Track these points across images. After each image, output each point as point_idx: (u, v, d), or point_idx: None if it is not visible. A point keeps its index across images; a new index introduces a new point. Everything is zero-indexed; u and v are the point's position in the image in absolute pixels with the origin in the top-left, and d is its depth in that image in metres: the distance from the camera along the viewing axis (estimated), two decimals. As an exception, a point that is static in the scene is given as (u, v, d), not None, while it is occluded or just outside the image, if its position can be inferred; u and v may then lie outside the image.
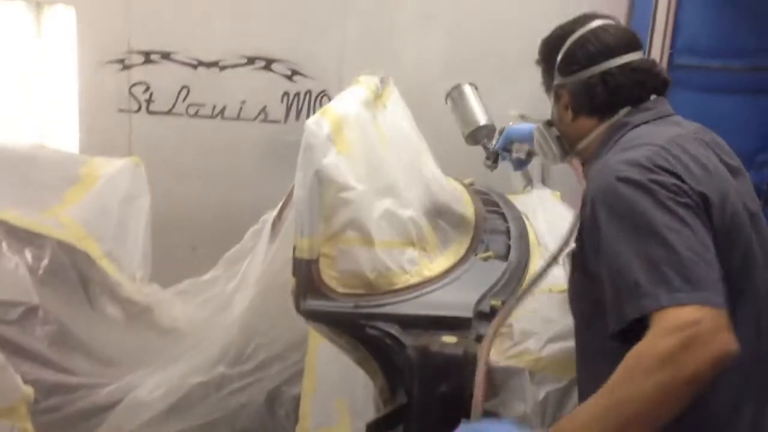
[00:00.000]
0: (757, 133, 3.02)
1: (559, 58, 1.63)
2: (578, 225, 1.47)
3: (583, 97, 1.60)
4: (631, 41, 1.62)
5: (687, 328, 1.16)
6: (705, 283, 1.21)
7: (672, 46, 3.11)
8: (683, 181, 1.33)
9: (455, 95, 2.43)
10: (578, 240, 1.46)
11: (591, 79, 1.58)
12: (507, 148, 2.24)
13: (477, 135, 2.37)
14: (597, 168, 1.44)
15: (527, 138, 2.09)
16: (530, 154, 2.21)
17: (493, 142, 2.33)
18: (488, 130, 2.36)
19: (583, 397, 1.55)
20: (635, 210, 1.28)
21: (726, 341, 1.17)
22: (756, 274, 1.41)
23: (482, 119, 2.37)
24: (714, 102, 2.86)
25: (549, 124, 1.73)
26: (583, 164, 1.69)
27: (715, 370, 1.16)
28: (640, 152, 1.38)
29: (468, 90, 2.43)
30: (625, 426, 1.17)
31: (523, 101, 3.65)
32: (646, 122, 1.53)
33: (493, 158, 2.35)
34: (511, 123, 2.28)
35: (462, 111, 2.40)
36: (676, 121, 1.56)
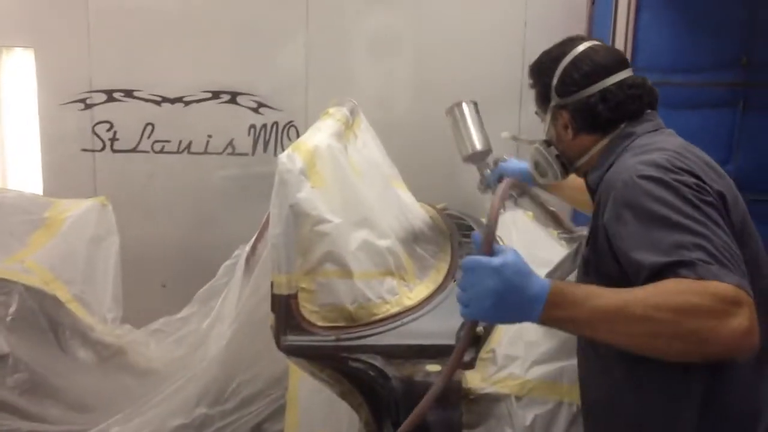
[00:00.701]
0: (720, 145, 3.08)
1: (555, 80, 1.67)
2: (590, 228, 1.50)
3: (584, 115, 1.64)
4: (621, 59, 1.67)
5: (729, 303, 1.17)
6: (739, 272, 1.23)
7: (633, 64, 3.16)
8: (702, 180, 1.36)
9: (455, 113, 2.37)
10: (591, 243, 1.48)
11: (591, 98, 1.62)
12: (499, 181, 2.24)
13: (473, 158, 2.35)
14: (615, 171, 1.47)
15: (519, 176, 2.19)
16: (522, 194, 2.24)
17: (489, 168, 2.34)
18: (484, 155, 2.35)
19: (586, 398, 1.60)
20: (663, 205, 1.30)
21: (756, 333, 1.19)
22: (762, 277, 1.43)
23: (479, 144, 2.32)
24: (677, 117, 2.90)
25: (547, 143, 1.76)
26: (584, 177, 1.72)
27: (732, 354, 1.18)
28: (656, 155, 1.42)
29: (467, 109, 2.37)
30: (622, 332, 1.21)
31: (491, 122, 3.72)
32: (650, 132, 1.58)
33: (485, 185, 2.36)
34: (504, 156, 2.31)
35: (460, 132, 2.36)
36: (671, 133, 1.62)
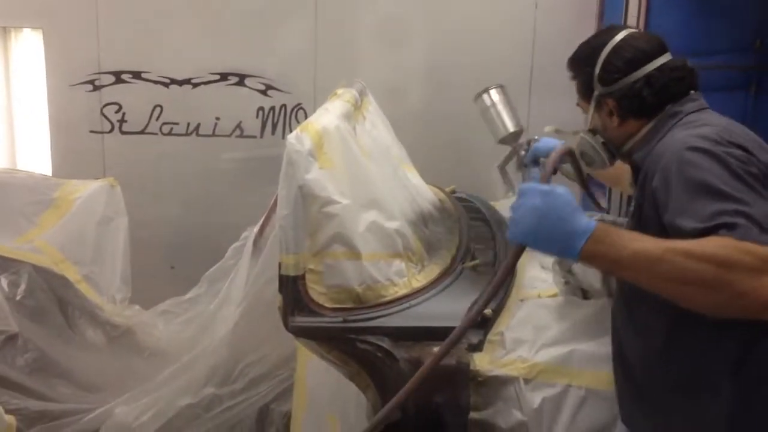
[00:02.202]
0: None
1: (598, 69, 1.70)
2: (634, 202, 1.55)
3: (630, 101, 1.66)
4: (660, 44, 1.70)
5: None
6: None
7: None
8: (751, 153, 1.40)
9: (484, 99, 2.41)
10: (635, 216, 1.53)
11: (635, 84, 1.65)
12: (536, 162, 2.25)
13: (507, 140, 2.37)
14: (664, 144, 1.51)
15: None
16: (556, 170, 2.21)
17: (523, 148, 2.32)
18: (517, 135, 2.37)
19: (621, 361, 1.63)
20: (709, 174, 1.34)
21: None
22: None
23: (511, 126, 2.36)
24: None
25: (592, 132, 1.78)
26: (629, 158, 1.73)
27: (761, 314, 1.23)
28: (706, 129, 1.46)
29: (496, 94, 2.41)
30: (662, 276, 1.26)
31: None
32: (695, 111, 1.61)
33: (521, 164, 2.33)
34: (536, 136, 2.27)
35: (491, 116, 2.39)
36: (714, 112, 1.64)
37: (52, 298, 2.87)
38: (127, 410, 2.70)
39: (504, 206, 2.68)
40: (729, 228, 1.26)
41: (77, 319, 2.93)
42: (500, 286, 1.47)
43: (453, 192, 2.83)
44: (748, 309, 1.24)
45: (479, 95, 2.41)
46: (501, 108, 2.38)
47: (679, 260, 1.24)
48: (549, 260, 2.18)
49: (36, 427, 2.68)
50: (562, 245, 1.33)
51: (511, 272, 1.44)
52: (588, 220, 1.32)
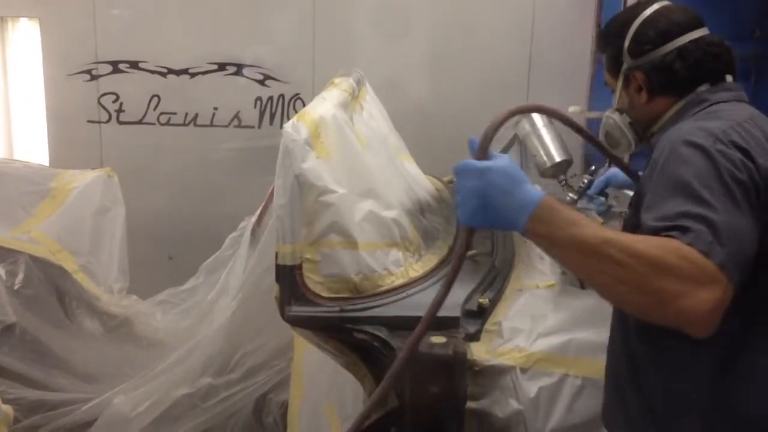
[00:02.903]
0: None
1: (628, 41, 1.59)
2: (635, 190, 1.50)
3: (660, 75, 1.56)
4: (697, 17, 1.59)
5: (704, 276, 1.15)
6: (733, 259, 1.19)
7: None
8: (752, 158, 1.30)
9: (525, 126, 2.23)
10: (634, 203, 1.48)
11: (667, 56, 1.54)
12: (603, 193, 2.15)
13: (554, 170, 2.23)
14: (667, 134, 1.43)
15: (627, 184, 2.06)
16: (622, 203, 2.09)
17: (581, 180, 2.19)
18: (567, 165, 2.22)
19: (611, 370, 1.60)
20: (692, 173, 1.27)
21: (716, 318, 1.15)
22: None
23: (558, 155, 2.19)
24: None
25: (619, 111, 1.68)
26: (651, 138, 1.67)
27: (684, 327, 1.16)
28: (716, 123, 1.37)
29: (539, 120, 2.22)
30: (592, 268, 1.21)
31: (498, 95, 3.68)
32: (725, 101, 1.51)
33: (579, 196, 2.19)
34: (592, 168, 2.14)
35: (535, 144, 2.22)
36: (747, 106, 1.53)
37: (50, 288, 2.87)
38: (125, 400, 2.71)
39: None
40: (682, 231, 1.19)
41: (75, 309, 2.94)
42: (456, 273, 1.39)
43: (450, 182, 2.82)
44: (667, 319, 1.17)
45: (518, 121, 2.23)
46: (545, 133, 2.21)
47: (613, 253, 1.17)
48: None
49: (34, 417, 2.68)
50: (507, 222, 1.27)
51: (464, 258, 1.39)
52: (533, 194, 1.24)
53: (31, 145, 4.38)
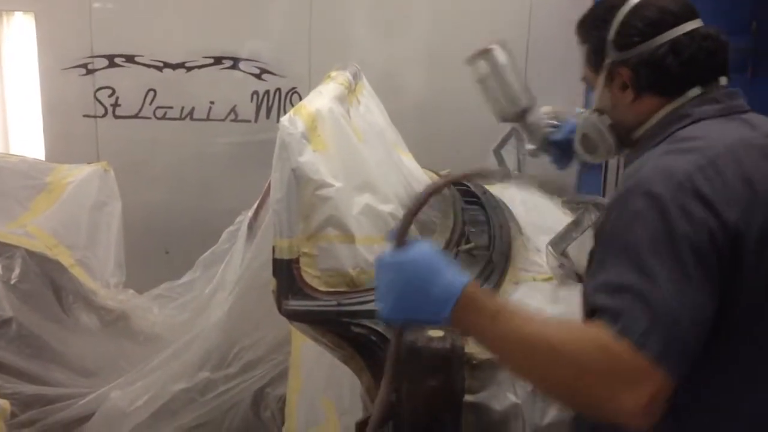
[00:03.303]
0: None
1: (612, 32, 1.41)
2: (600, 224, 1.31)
3: (650, 71, 1.37)
4: (691, 6, 1.41)
5: (633, 374, 1.06)
6: (675, 346, 1.09)
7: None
8: (717, 213, 1.15)
9: (483, 63, 1.96)
10: (596, 240, 1.29)
11: (659, 49, 1.36)
12: (568, 143, 1.88)
13: (514, 117, 2.00)
14: (634, 167, 1.27)
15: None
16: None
17: (542, 122, 1.97)
18: (527, 111, 1.97)
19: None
20: (643, 236, 1.14)
21: (651, 415, 1.07)
22: None
23: (522, 98, 1.95)
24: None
25: (599, 112, 1.49)
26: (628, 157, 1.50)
27: (621, 424, 1.08)
28: (684, 162, 1.20)
29: (501, 54, 1.96)
30: (520, 366, 1.16)
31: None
32: (710, 118, 1.32)
33: (540, 145, 2.00)
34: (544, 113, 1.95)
35: (493, 85, 1.96)
36: (747, 119, 1.34)
37: (46, 282, 2.87)
38: (122, 394, 2.71)
39: (499, 190, 2.68)
40: (614, 317, 1.08)
41: (71, 304, 2.93)
42: (395, 369, 1.36)
43: (447, 176, 2.81)
44: (611, 418, 1.08)
45: (476, 57, 1.99)
46: (507, 74, 1.96)
47: (537, 355, 1.09)
48: (544, 243, 2.17)
49: (30, 411, 2.68)
50: (428, 316, 1.16)
51: (399, 355, 1.33)
52: (453, 286, 1.13)
53: (27, 139, 4.37)
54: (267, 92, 4.07)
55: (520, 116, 1.99)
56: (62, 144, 4.13)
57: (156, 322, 3.03)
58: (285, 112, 1.82)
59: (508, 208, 2.40)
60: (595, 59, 1.47)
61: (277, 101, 4.07)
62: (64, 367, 2.82)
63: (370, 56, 3.86)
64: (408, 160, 2.44)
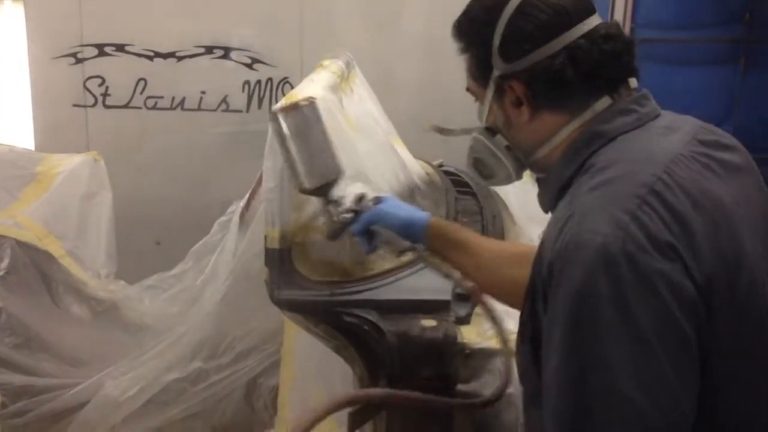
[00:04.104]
0: (720, 101, 3.05)
1: (498, 38, 1.18)
2: (531, 281, 1.07)
3: (546, 85, 1.15)
4: (586, 1, 1.18)
5: None
6: None
7: (633, 21, 3.12)
8: (684, 262, 0.96)
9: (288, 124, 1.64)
10: (528, 302, 1.08)
11: (554, 59, 1.13)
12: (369, 232, 1.62)
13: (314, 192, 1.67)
14: (563, 213, 1.03)
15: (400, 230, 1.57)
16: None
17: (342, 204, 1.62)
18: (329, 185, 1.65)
19: None
20: (605, 331, 0.94)
21: None
22: None
23: (312, 176, 1.63)
24: (678, 73, 2.88)
25: (490, 131, 1.26)
26: (537, 179, 1.27)
27: None
28: (623, 197, 0.99)
29: (288, 126, 1.63)
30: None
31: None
32: (628, 131, 1.12)
33: (335, 232, 1.65)
34: (372, 194, 1.64)
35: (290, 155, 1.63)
36: (666, 125, 1.14)
37: (36, 273, 2.85)
38: (114, 384, 2.70)
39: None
40: None
41: (62, 295, 2.92)
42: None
43: (440, 166, 2.81)
44: None
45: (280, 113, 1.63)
46: (294, 146, 1.62)
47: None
48: (536, 234, 2.17)
49: (21, 402, 2.67)
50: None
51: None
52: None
53: (17, 129, 4.33)
54: (258, 82, 4.05)
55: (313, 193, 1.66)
56: (52, 134, 4.09)
57: (147, 313, 3.02)
58: (277, 102, 1.81)
59: (500, 198, 2.39)
60: (479, 71, 1.24)
61: (269, 91, 4.05)
62: (55, 357, 2.80)
63: (362, 45, 3.85)
64: (401, 150, 2.43)
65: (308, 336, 2.02)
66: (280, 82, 4.04)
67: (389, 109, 2.62)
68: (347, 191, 1.62)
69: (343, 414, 1.73)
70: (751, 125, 3.04)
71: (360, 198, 1.61)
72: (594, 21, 1.15)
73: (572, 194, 1.07)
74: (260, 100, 4.06)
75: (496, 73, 1.19)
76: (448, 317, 1.76)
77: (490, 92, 1.22)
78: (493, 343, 1.78)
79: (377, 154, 2.13)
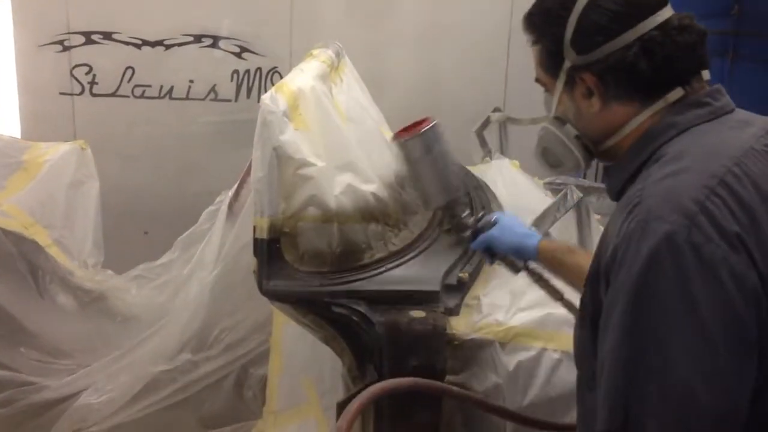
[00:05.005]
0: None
1: (570, 30, 1.19)
2: (595, 265, 1.10)
3: (619, 76, 1.16)
4: None
5: None
6: None
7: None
8: (749, 253, 0.96)
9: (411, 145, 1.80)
10: (591, 285, 1.10)
11: (627, 50, 1.14)
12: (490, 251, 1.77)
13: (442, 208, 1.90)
14: (633, 195, 1.06)
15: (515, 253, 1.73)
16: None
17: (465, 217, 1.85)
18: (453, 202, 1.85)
19: None
20: (669, 324, 0.96)
21: None
22: None
23: (442, 195, 1.83)
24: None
25: (560, 121, 1.28)
26: (605, 168, 1.30)
27: None
28: (692, 187, 1.00)
29: (419, 146, 1.79)
30: None
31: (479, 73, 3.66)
32: (699, 123, 1.13)
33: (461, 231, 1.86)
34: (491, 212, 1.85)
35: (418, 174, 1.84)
36: (739, 119, 1.15)
37: (22, 262, 2.82)
38: (102, 377, 2.69)
39: (481, 171, 2.67)
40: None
41: (48, 284, 2.88)
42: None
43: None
44: None
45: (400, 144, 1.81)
46: (428, 168, 1.80)
47: None
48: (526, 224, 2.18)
49: (5, 392, 2.65)
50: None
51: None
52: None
53: (2, 117, 4.28)
54: (248, 71, 4.02)
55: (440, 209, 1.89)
56: (38, 122, 4.05)
57: (134, 303, 2.99)
58: (266, 92, 1.81)
59: (490, 189, 2.39)
60: (550, 63, 1.26)
61: (257, 81, 4.02)
62: (41, 349, 2.78)
63: (353, 35, 3.83)
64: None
65: (297, 327, 2.02)
66: (269, 72, 4.01)
67: (379, 99, 2.62)
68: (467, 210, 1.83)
69: (331, 402, 1.74)
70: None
71: (479, 218, 1.79)
72: (667, 12, 1.17)
73: (642, 182, 1.08)
74: (249, 90, 4.04)
75: (567, 64, 1.21)
76: (437, 308, 1.77)
77: (560, 83, 1.24)
78: (483, 335, 1.79)
79: (367, 144, 2.13)
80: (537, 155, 1.38)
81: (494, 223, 1.75)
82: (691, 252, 0.95)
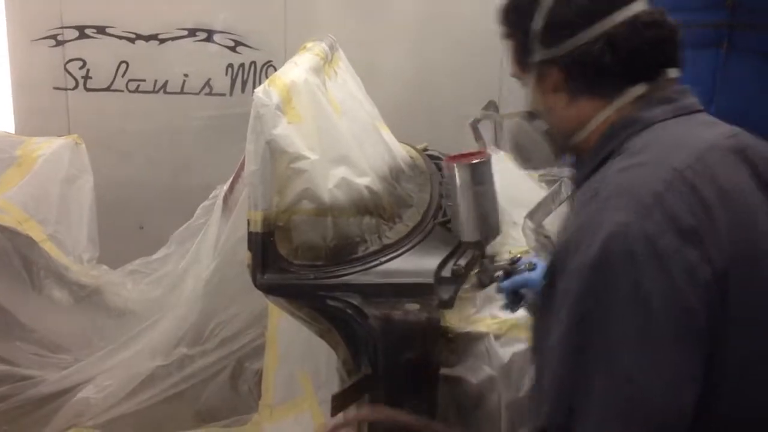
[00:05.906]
0: (701, 87, 3.02)
1: (539, 23, 1.19)
2: (554, 253, 1.09)
3: (584, 71, 1.16)
4: None
5: None
6: None
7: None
8: (704, 247, 0.97)
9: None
10: (549, 275, 1.09)
11: (593, 45, 1.14)
12: (518, 294, 1.72)
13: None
14: (589, 190, 1.07)
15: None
16: None
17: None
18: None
19: None
20: (619, 312, 0.96)
21: None
22: None
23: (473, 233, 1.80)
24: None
25: (531, 115, 1.28)
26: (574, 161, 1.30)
27: None
28: (651, 179, 1.01)
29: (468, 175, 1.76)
30: None
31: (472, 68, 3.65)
32: (664, 120, 1.13)
33: (484, 283, 1.80)
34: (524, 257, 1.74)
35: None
36: (706, 120, 1.17)
37: (17, 258, 2.82)
38: (99, 372, 2.69)
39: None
40: None
41: (43, 279, 2.88)
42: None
43: (425, 149, 2.80)
44: None
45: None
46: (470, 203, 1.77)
47: None
48: (520, 217, 2.18)
49: (1, 387, 2.65)
50: None
51: None
52: None
53: (-5, 112, 4.28)
54: (242, 65, 4.01)
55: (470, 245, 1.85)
56: (32, 117, 4.04)
57: (129, 297, 3.00)
58: (260, 85, 1.81)
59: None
60: (521, 56, 1.25)
61: (252, 74, 4.02)
62: (36, 344, 2.78)
63: (347, 29, 3.82)
64: (384, 133, 2.42)
65: (292, 320, 2.02)
66: (263, 66, 4.01)
67: (373, 93, 2.61)
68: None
69: (327, 395, 1.74)
70: (732, 110, 3.03)
71: (515, 260, 1.71)
72: (638, 7, 1.15)
73: (601, 174, 1.09)
74: (243, 84, 4.03)
75: (536, 58, 1.21)
76: (431, 301, 1.77)
77: (531, 77, 1.24)
78: (477, 327, 1.79)
79: (362, 137, 2.13)
80: (511, 149, 1.37)
81: (533, 266, 1.67)
82: (643, 242, 0.95)
